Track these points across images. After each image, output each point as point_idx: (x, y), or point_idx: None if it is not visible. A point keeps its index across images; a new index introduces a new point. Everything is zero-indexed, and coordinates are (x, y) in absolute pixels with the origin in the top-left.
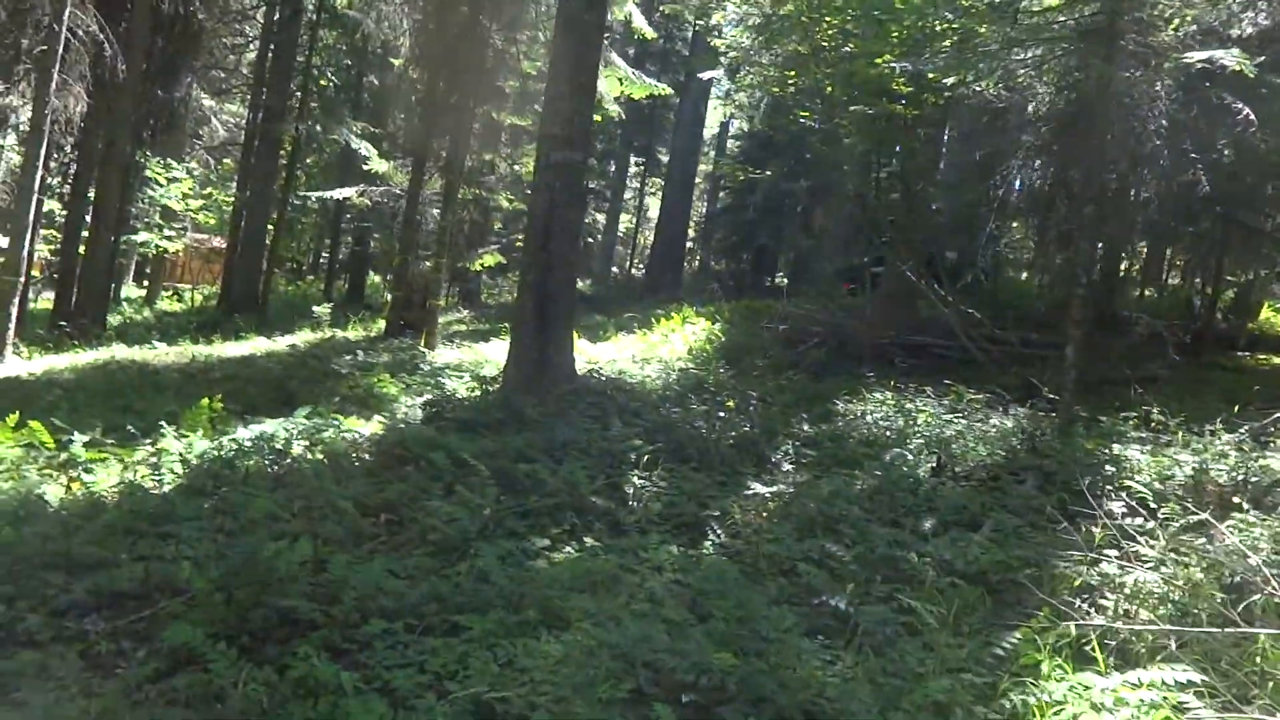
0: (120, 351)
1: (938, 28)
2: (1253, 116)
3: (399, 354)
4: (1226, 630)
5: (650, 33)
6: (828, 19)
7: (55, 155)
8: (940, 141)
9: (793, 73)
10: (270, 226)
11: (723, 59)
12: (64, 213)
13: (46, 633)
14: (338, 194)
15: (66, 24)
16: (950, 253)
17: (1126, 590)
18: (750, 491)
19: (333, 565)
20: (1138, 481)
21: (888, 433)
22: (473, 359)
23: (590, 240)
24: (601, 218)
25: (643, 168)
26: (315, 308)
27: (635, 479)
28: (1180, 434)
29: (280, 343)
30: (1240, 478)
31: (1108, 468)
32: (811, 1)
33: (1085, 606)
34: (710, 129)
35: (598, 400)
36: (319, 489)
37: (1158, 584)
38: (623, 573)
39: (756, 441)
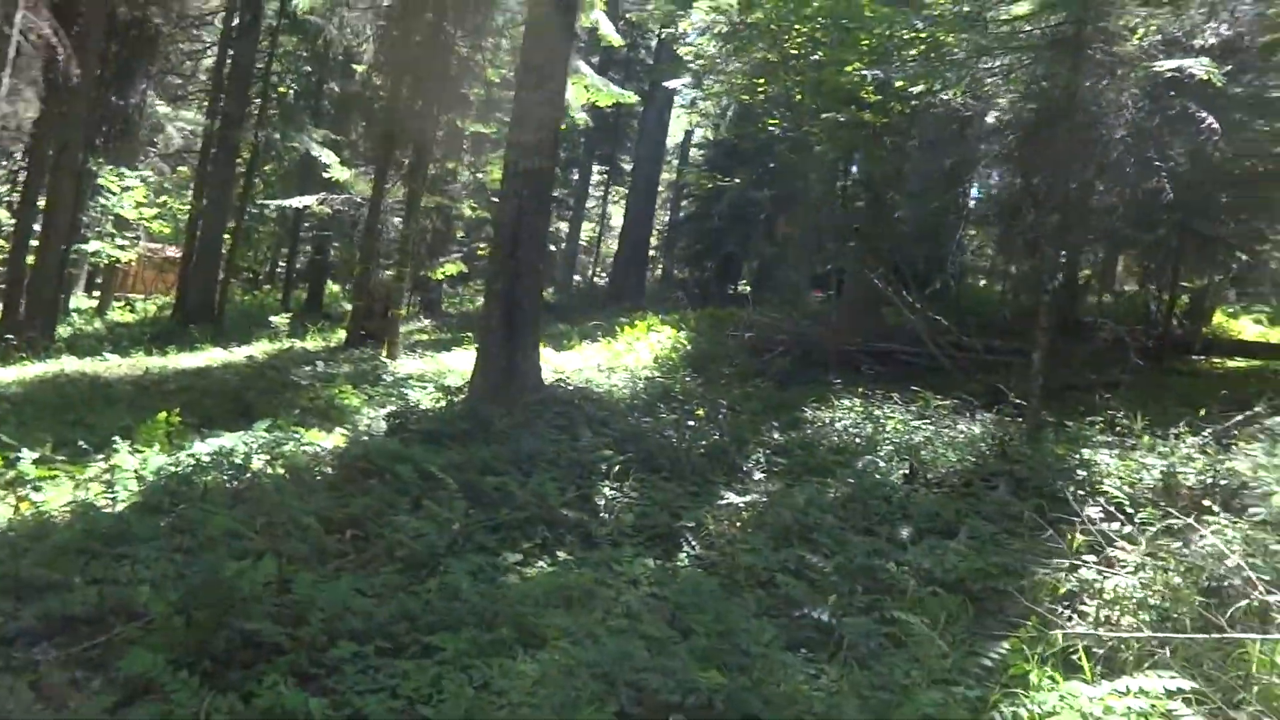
0: (70, 364)
1: (906, 36)
2: (1216, 125)
3: (360, 364)
4: (1214, 636)
5: (617, 40)
6: (797, 27)
7: (5, 162)
8: (906, 149)
9: (761, 80)
10: (227, 235)
11: (693, 65)
12: (12, 221)
13: None
14: (297, 202)
15: (18, 27)
16: (916, 260)
17: (1107, 596)
18: (723, 501)
19: (298, 585)
20: (1112, 486)
21: (857, 440)
22: (436, 369)
23: (553, 248)
24: (564, 226)
25: (606, 176)
26: (273, 318)
27: (606, 490)
28: (1145, 438)
29: (237, 354)
30: (1209, 481)
31: (1079, 472)
32: (780, 9)
33: (1067, 613)
34: (673, 137)
35: (565, 410)
36: (281, 505)
37: (1138, 589)
38: (598, 587)
39: (727, 450)
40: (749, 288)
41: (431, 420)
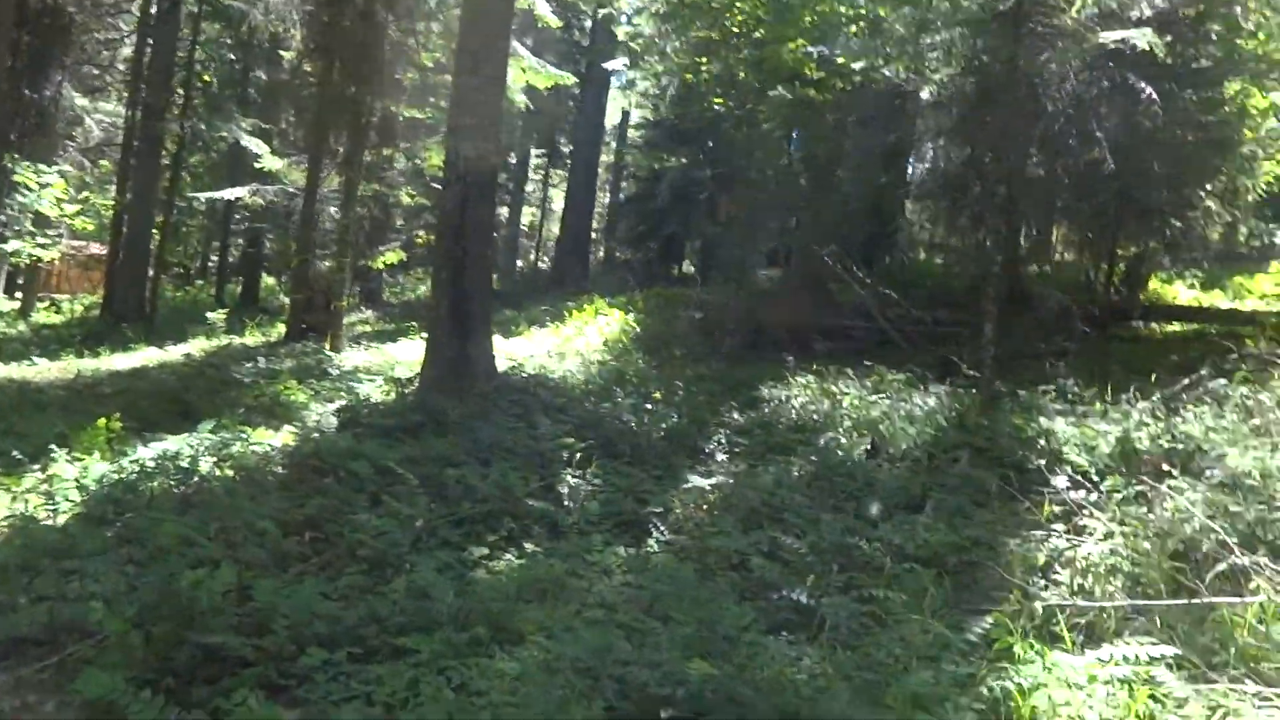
0: None
1: (847, 12)
2: (1155, 96)
3: (303, 359)
4: (1194, 602)
5: (554, 21)
6: (738, 4)
7: None
8: (848, 126)
9: (704, 59)
10: (155, 230)
11: (633, 44)
12: None
13: None
14: (228, 194)
15: None
16: (863, 236)
17: (1079, 565)
18: (688, 485)
19: (259, 592)
20: (1077, 454)
21: (815, 417)
22: (382, 360)
23: (495, 234)
24: (504, 211)
25: (545, 159)
26: (209, 314)
27: (569, 478)
28: (1097, 405)
29: (173, 352)
30: (1166, 445)
31: (1039, 442)
32: None
33: (1042, 584)
34: (610, 118)
35: (520, 398)
36: (234, 509)
37: (1108, 556)
38: (570, 578)
39: (687, 433)
40: (693, 268)
41: (383, 414)
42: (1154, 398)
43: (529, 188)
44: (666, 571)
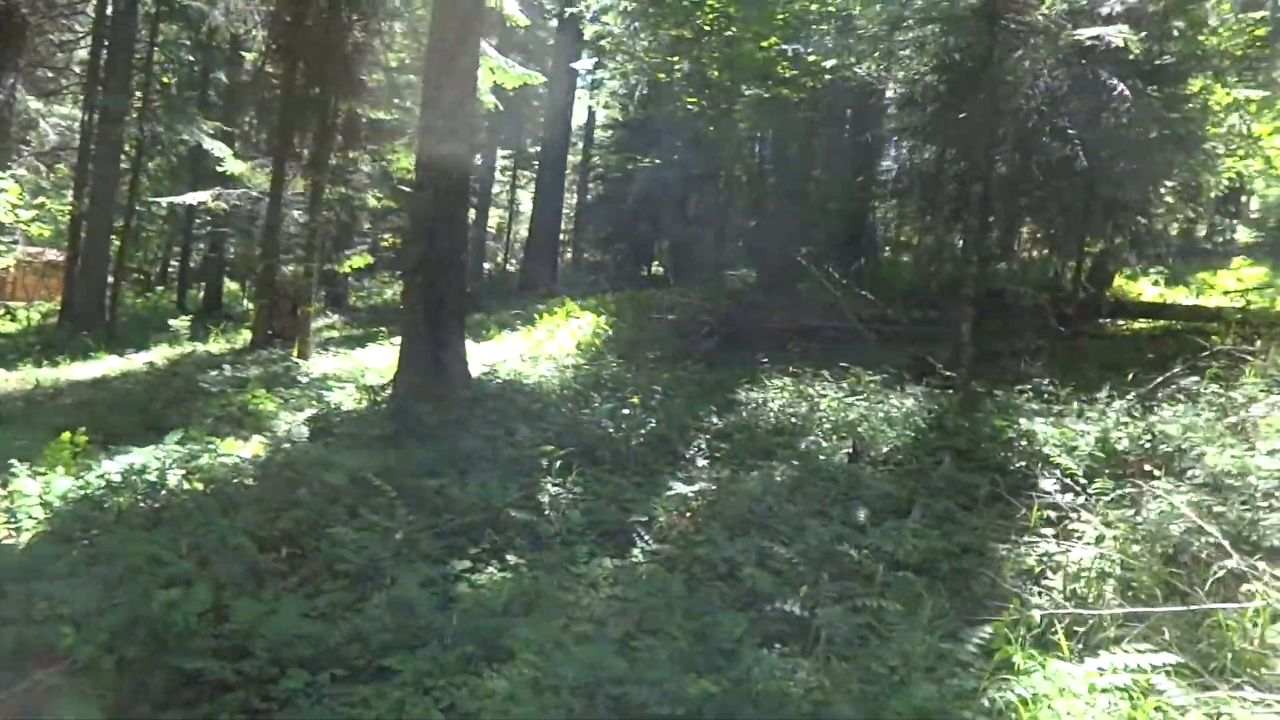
0: None
1: (819, 10)
2: (1126, 92)
3: (271, 366)
4: (1192, 608)
5: (522, 20)
6: (710, 2)
7: None
8: (819, 124)
9: (675, 58)
10: (115, 236)
11: (604, 42)
12: None
13: None
14: (191, 199)
15: None
16: (836, 235)
17: (1070, 570)
18: (671, 492)
19: (236, 612)
20: (1059, 455)
21: (794, 420)
22: (352, 367)
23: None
24: (471, 213)
25: (512, 161)
26: (171, 320)
27: (550, 487)
28: (1074, 404)
29: (136, 360)
30: (1147, 445)
31: (1022, 443)
32: None
33: (1035, 590)
34: (576, 119)
35: (497, 405)
36: (205, 524)
37: (1100, 560)
38: (557, 591)
39: (667, 438)
40: (663, 269)
41: (356, 422)
42: (1129, 396)
43: (495, 189)
44: (655, 583)
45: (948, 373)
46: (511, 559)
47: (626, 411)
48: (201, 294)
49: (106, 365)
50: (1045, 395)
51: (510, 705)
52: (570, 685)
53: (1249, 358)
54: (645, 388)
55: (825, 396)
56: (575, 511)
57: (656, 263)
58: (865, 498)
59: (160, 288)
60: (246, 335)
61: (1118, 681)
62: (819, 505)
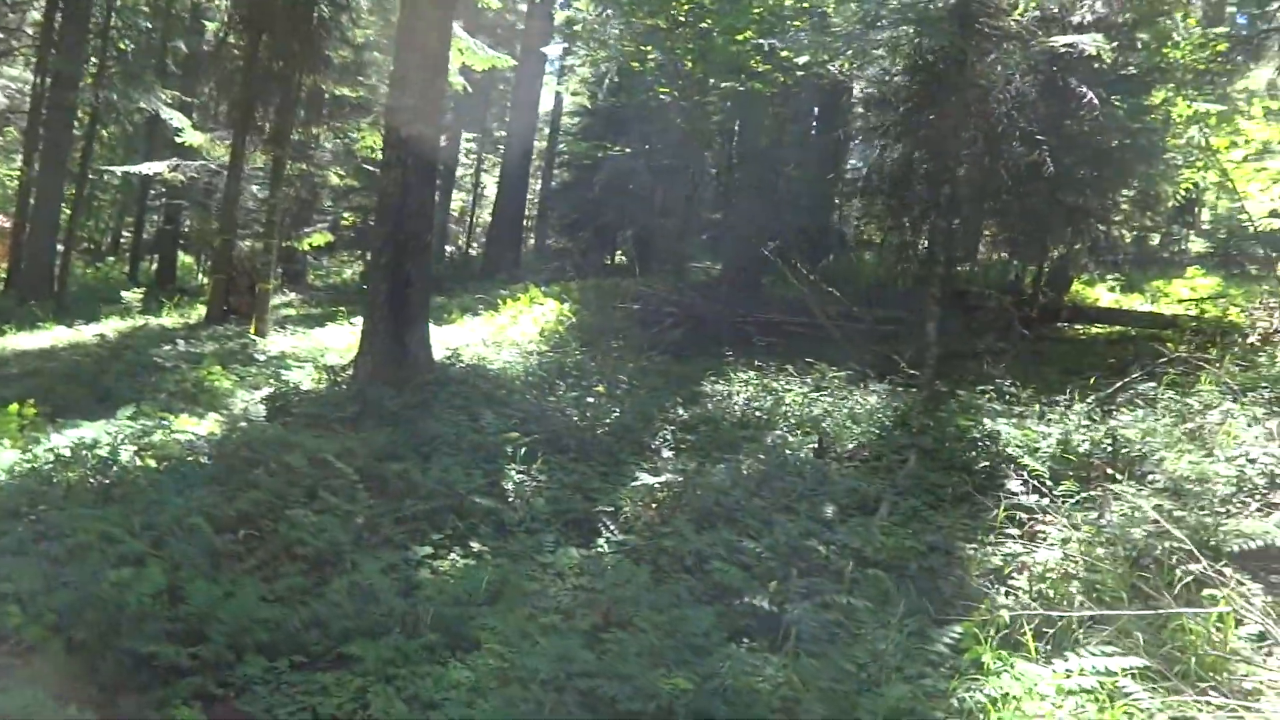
0: None
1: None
2: (1095, 100)
3: (226, 342)
4: (1159, 611)
5: (495, 3)
6: None
7: None
8: (789, 119)
9: (648, 47)
10: (65, 204)
11: (575, 28)
12: None
13: None
14: (146, 169)
15: None
16: (802, 231)
17: (1037, 571)
18: (636, 482)
19: (191, 594)
20: (1023, 456)
21: (759, 414)
22: (311, 346)
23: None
24: (435, 195)
25: (477, 144)
26: (123, 293)
27: (515, 474)
28: (1035, 406)
29: (85, 332)
30: (1108, 448)
31: (986, 444)
32: None
33: (1001, 589)
34: (544, 105)
35: (461, 390)
36: (159, 502)
37: (1064, 561)
38: (523, 580)
39: (632, 428)
40: (627, 259)
41: (315, 403)
42: (1089, 400)
43: (460, 172)
44: (622, 574)
45: (912, 371)
46: (475, 546)
47: (591, 400)
48: (154, 267)
49: (54, 336)
50: (1007, 396)
51: (475, 698)
52: (536, 677)
53: (1204, 365)
54: (610, 377)
55: (790, 391)
56: (540, 500)
57: (621, 252)
58: (832, 494)
59: (111, 259)
60: (201, 310)
61: (1086, 684)
62: (786, 500)
